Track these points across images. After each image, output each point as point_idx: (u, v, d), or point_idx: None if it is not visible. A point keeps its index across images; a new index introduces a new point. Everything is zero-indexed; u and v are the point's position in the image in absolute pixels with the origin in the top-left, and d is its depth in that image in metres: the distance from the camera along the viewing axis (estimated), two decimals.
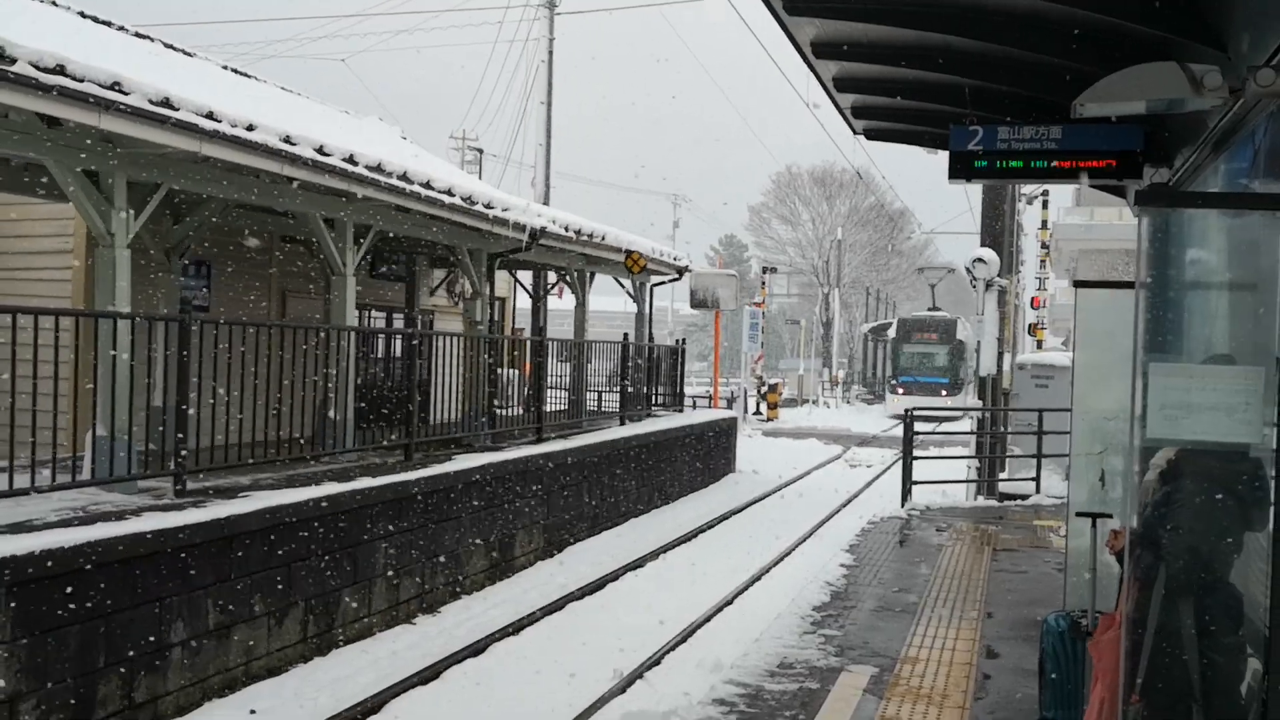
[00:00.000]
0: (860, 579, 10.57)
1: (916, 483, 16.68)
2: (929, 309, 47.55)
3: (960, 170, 7.45)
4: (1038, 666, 6.37)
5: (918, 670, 7.63)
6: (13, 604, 6.67)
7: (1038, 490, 16.45)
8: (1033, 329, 29.71)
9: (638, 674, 9.06)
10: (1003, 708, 6.89)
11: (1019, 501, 16.55)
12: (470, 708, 8.35)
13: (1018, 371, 20.90)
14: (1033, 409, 16.86)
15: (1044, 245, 28.91)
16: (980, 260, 17.78)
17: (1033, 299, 30.16)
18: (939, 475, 17.34)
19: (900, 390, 43.98)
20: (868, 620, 9.02)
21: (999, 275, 17.99)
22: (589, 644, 9.99)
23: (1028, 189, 26.58)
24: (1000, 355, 19.04)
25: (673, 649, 9.89)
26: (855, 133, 9.70)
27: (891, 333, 47.82)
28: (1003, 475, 18.15)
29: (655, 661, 9.48)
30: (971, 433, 18.33)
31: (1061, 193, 45.66)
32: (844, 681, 7.36)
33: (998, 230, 19.08)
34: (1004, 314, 19.98)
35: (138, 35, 13.94)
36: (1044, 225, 28.80)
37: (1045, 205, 27.95)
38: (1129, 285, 5.63)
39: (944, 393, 42.47)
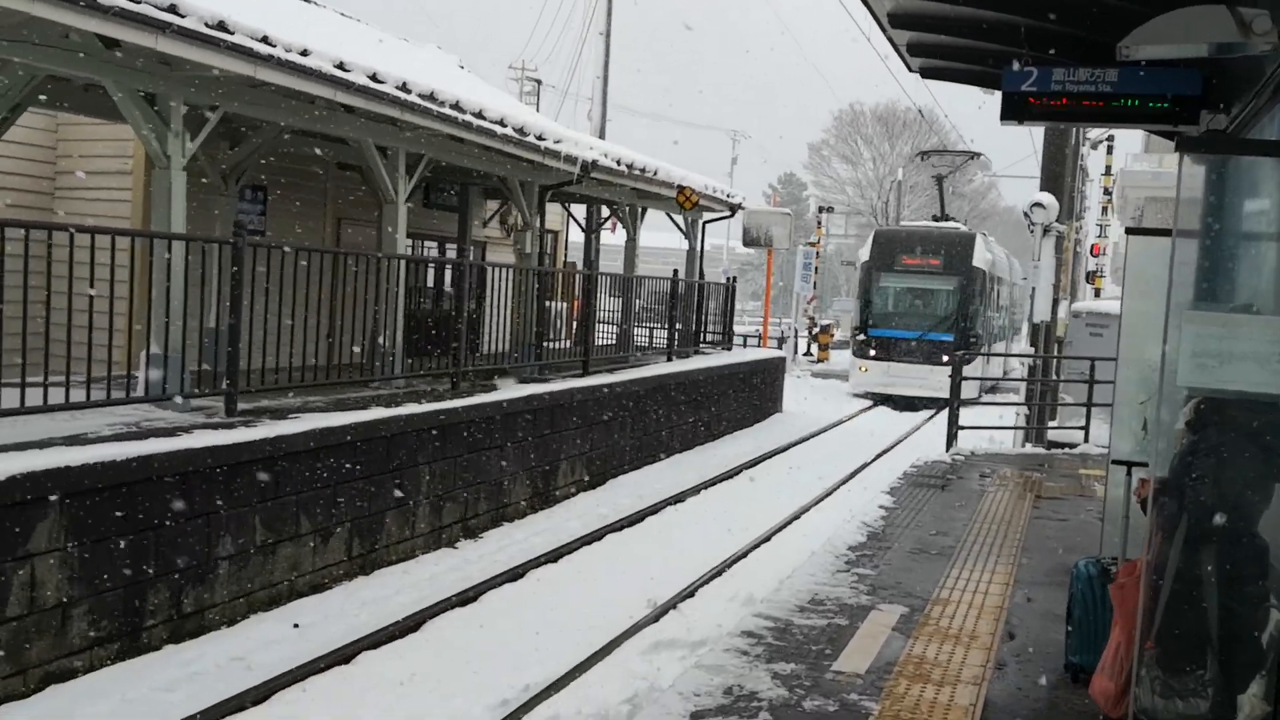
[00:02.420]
0: (898, 521, 10.60)
1: (963, 428, 16.63)
2: (933, 217, 30.92)
3: (1013, 111, 7.34)
4: (1066, 612, 6.40)
5: (948, 611, 7.67)
6: (66, 513, 6.91)
7: (1086, 439, 16.31)
8: (1091, 277, 29.24)
9: (671, 604, 9.21)
10: (1030, 650, 6.92)
11: (1067, 450, 16.44)
12: (504, 630, 8.54)
13: (1072, 319, 20.67)
14: (1086, 357, 16.72)
15: (1107, 191, 28.34)
16: (1039, 204, 17.49)
17: (1093, 246, 29.65)
18: (988, 421, 17.28)
19: (872, 353, 27.11)
20: (902, 561, 9.07)
21: (1057, 221, 17.69)
22: (625, 574, 10.15)
23: (1093, 134, 26.06)
24: (1055, 303, 18.82)
25: (707, 582, 10.03)
26: (910, 70, 9.57)
27: (863, 253, 28.54)
28: (1053, 423, 18.03)
29: (689, 593, 9.61)
30: (1022, 379, 18.17)
31: (1130, 138, 43.55)
32: (873, 619, 7.42)
33: (1058, 175, 18.74)
34: (1062, 260, 19.71)
35: None
36: (1107, 171, 28.23)
37: (1110, 151, 27.39)
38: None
39: (945, 359, 23.91)
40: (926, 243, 27.56)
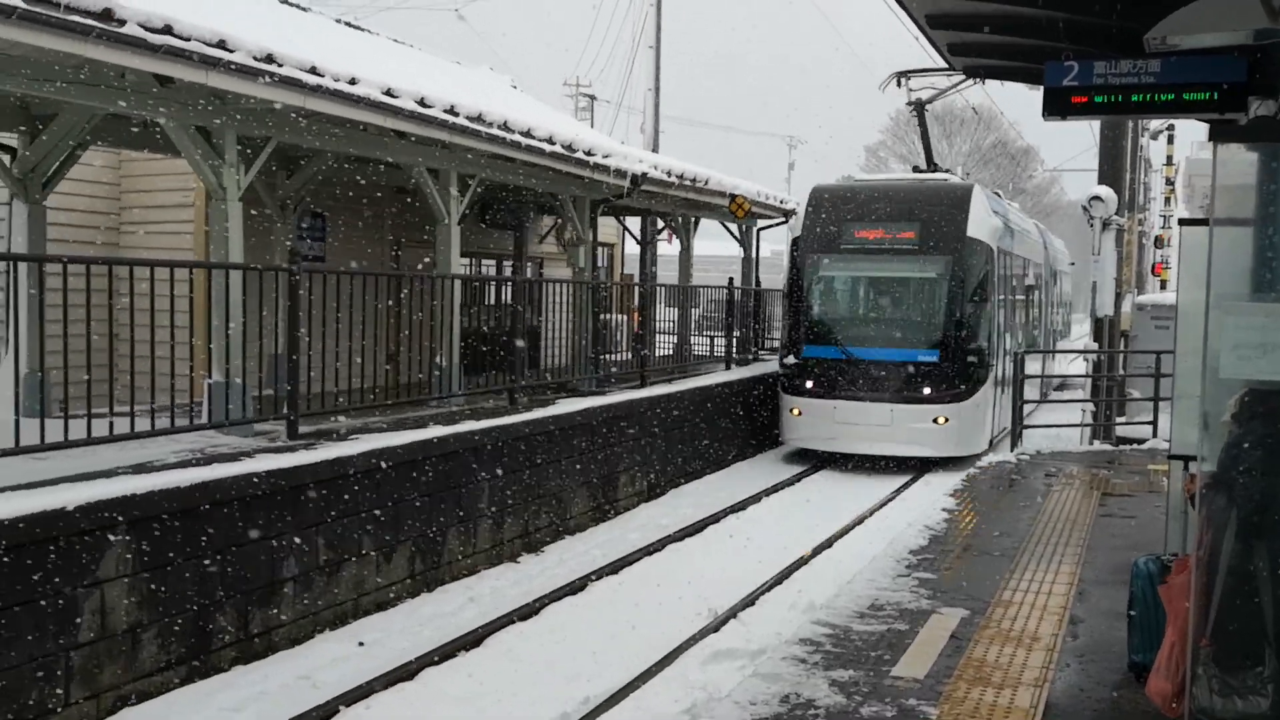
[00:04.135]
0: (961, 523, 10.51)
1: (1027, 427, 16.46)
2: (914, 170, 20.94)
3: (1056, 107, 7.28)
4: (1127, 610, 6.31)
5: (1010, 613, 7.60)
6: (134, 539, 7.09)
7: (1155, 434, 16.03)
8: (1156, 268, 28.72)
9: (731, 613, 9.21)
10: (1092, 650, 6.84)
11: (1135, 446, 16.16)
12: (566, 643, 8.59)
13: (1137, 313, 20.35)
14: (1151, 351, 16.46)
15: (1169, 181, 27.84)
16: (1097, 198, 17.24)
17: (1157, 237, 29.12)
18: (1054, 419, 17.09)
19: (809, 385, 16.94)
20: (964, 564, 8.99)
21: (1117, 214, 17.43)
22: (686, 583, 10.16)
23: (1153, 124, 25.64)
24: (1119, 296, 18.53)
25: (767, 590, 10.01)
26: (954, 70, 9.54)
27: (794, 225, 18.76)
28: (1120, 419, 17.74)
29: (750, 602, 9.61)
30: (1088, 375, 17.90)
31: (1194, 127, 42.73)
32: (933, 624, 7.37)
33: (1117, 167, 18.49)
34: (1124, 254, 19.41)
35: None
36: (1169, 161, 27.73)
37: (1171, 140, 26.90)
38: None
39: (928, 390, 16.38)
40: (892, 204, 17.02)
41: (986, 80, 10.07)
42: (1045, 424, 17.39)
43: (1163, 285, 27.76)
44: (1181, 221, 7.14)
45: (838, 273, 17.56)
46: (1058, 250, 28.75)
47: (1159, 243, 29.00)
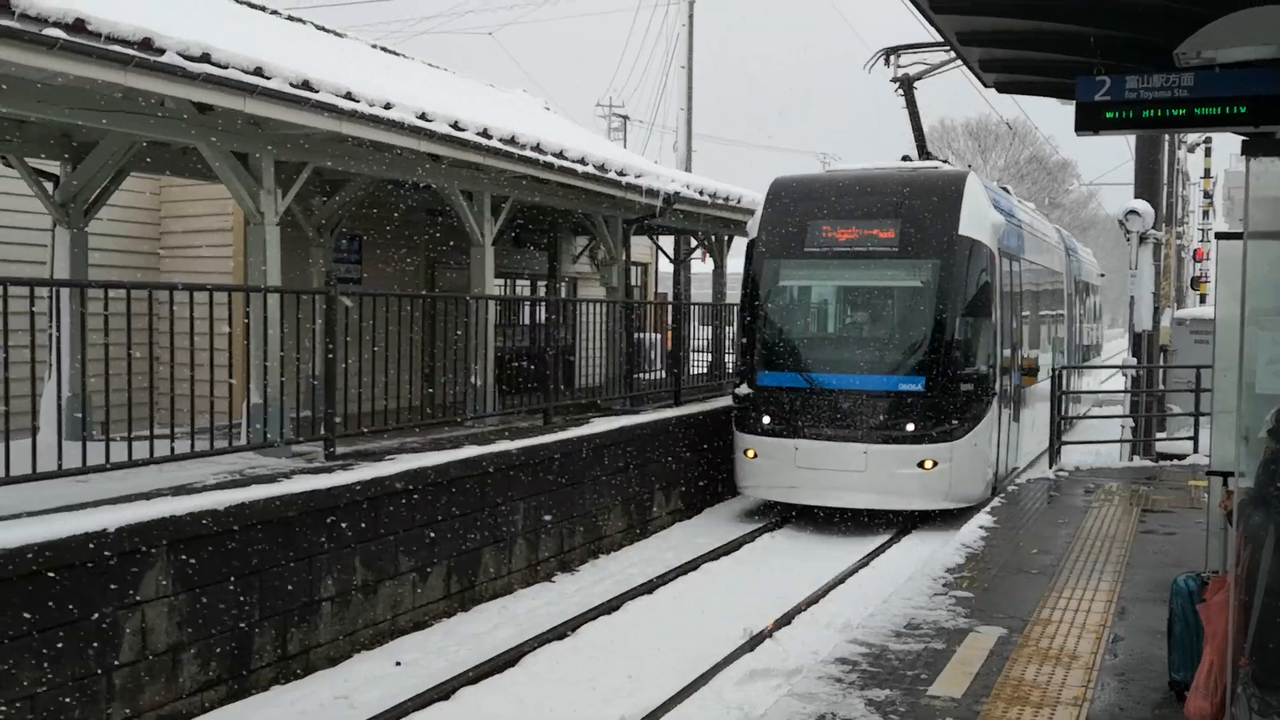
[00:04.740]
0: (998, 541, 10.43)
1: (1066, 443, 16.32)
2: (903, 159, 16.14)
3: (1088, 122, 7.26)
4: (1166, 628, 6.25)
5: (1048, 631, 7.53)
6: (174, 560, 7.18)
7: (1195, 449, 15.84)
8: (1195, 282, 28.43)
9: (767, 632, 9.18)
10: (1132, 669, 6.77)
11: (1175, 461, 15.99)
12: (601, 663, 8.60)
13: (1176, 327, 20.15)
14: (1191, 365, 16.29)
15: (1207, 195, 27.58)
16: (1133, 212, 17.08)
17: (1196, 251, 28.83)
18: (1093, 435, 16.94)
19: (766, 421, 13.85)
20: (1001, 582, 8.92)
21: (1154, 227, 17.28)
22: (722, 603, 10.14)
23: (1190, 137, 25.42)
24: (1157, 311, 18.35)
25: (803, 609, 9.97)
26: (986, 85, 9.52)
27: (752, 226, 15.00)
28: (1160, 435, 17.54)
29: (786, 620, 9.57)
30: (1126, 391, 17.72)
31: (1234, 139, 42.25)
32: (971, 642, 7.32)
33: (1153, 181, 18.34)
34: (1163, 267, 19.24)
35: (290, 19, 14.52)
36: (1206, 174, 27.48)
37: (1208, 153, 26.67)
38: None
39: (911, 426, 13.28)
40: (867, 198, 14.18)
41: (1018, 95, 10.02)
42: (1083, 440, 17.23)
43: (1202, 299, 27.48)
44: (1219, 235, 7.07)
45: (800, 282, 14.56)
46: (1084, 259, 25.96)
47: (1198, 256, 28.72)
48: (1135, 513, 11.85)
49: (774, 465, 13.61)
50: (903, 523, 13.75)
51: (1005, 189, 17.78)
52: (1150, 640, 7.21)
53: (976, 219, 13.72)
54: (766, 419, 13.69)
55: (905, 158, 16.02)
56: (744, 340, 14.48)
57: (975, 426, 13.46)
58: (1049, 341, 18.86)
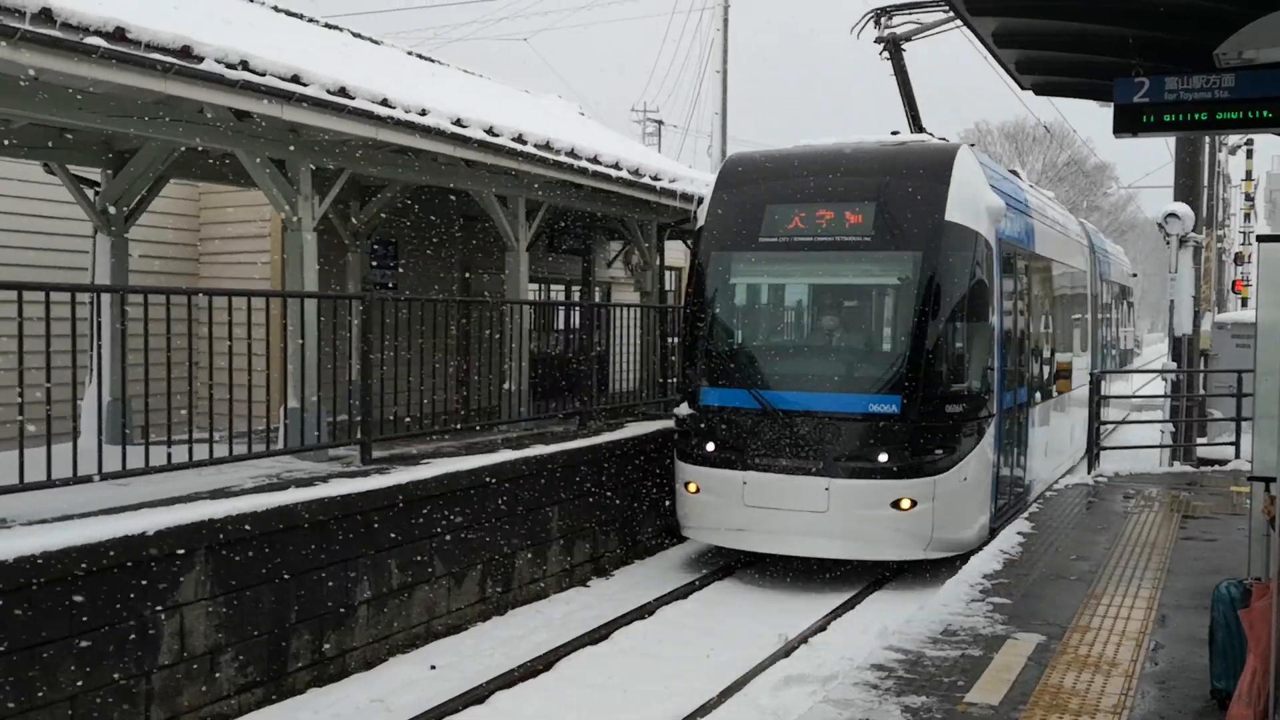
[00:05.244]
0: (1036, 547, 10.32)
1: (1104, 448, 16.15)
2: (892, 134, 13.27)
3: (1126, 124, 7.22)
4: (1208, 636, 6.17)
5: (1087, 639, 7.45)
6: (212, 563, 7.24)
7: (1237, 455, 15.66)
8: (1236, 285, 28.07)
9: (803, 638, 9.14)
10: (1173, 677, 6.68)
11: (1216, 467, 15.80)
12: (634, 668, 8.59)
13: (1216, 331, 19.92)
14: (1232, 370, 16.11)
15: (1248, 197, 27.25)
16: (1173, 215, 16.92)
17: (1237, 254, 28.48)
18: (1130, 441, 16.77)
19: (709, 448, 11.44)
20: (1040, 588, 8.83)
21: (1194, 230, 17.11)
22: (757, 608, 10.12)
23: (1232, 139, 25.15)
24: (1197, 315, 18.16)
25: (839, 615, 9.92)
26: (1022, 88, 9.47)
27: (701, 213, 12.38)
28: (1201, 440, 17.35)
29: (820, 627, 9.53)
30: (1166, 396, 17.53)
31: (1276, 141, 41.57)
32: (1008, 649, 7.25)
33: (1193, 184, 18.16)
34: (1203, 270, 19.04)
35: (328, 26, 14.64)
36: (1248, 176, 27.15)
37: (1249, 155, 26.35)
38: None
39: (884, 457, 10.83)
40: (835, 177, 11.79)
41: (1055, 98, 9.94)
42: (1123, 445, 17.05)
43: (1244, 303, 27.14)
44: (1260, 238, 6.96)
45: (753, 279, 12.13)
46: (1112, 256, 23.19)
47: (1239, 259, 28.36)
48: (1176, 519, 11.70)
49: (718, 502, 11.30)
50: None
51: (1015, 172, 15.10)
52: (1191, 648, 7.11)
53: (969, 202, 11.34)
54: (710, 446, 11.37)
55: (894, 133, 13.50)
56: (687, 350, 12.15)
57: (966, 456, 11.18)
58: (1067, 349, 16.43)
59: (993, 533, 11.39)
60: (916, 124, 15.37)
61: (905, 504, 10.77)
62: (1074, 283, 17.22)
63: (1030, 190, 14.91)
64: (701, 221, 12.17)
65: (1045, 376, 14.48)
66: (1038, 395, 13.82)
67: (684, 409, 11.78)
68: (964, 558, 10.44)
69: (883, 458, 10.79)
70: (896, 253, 11.33)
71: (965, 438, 11.19)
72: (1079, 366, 16.98)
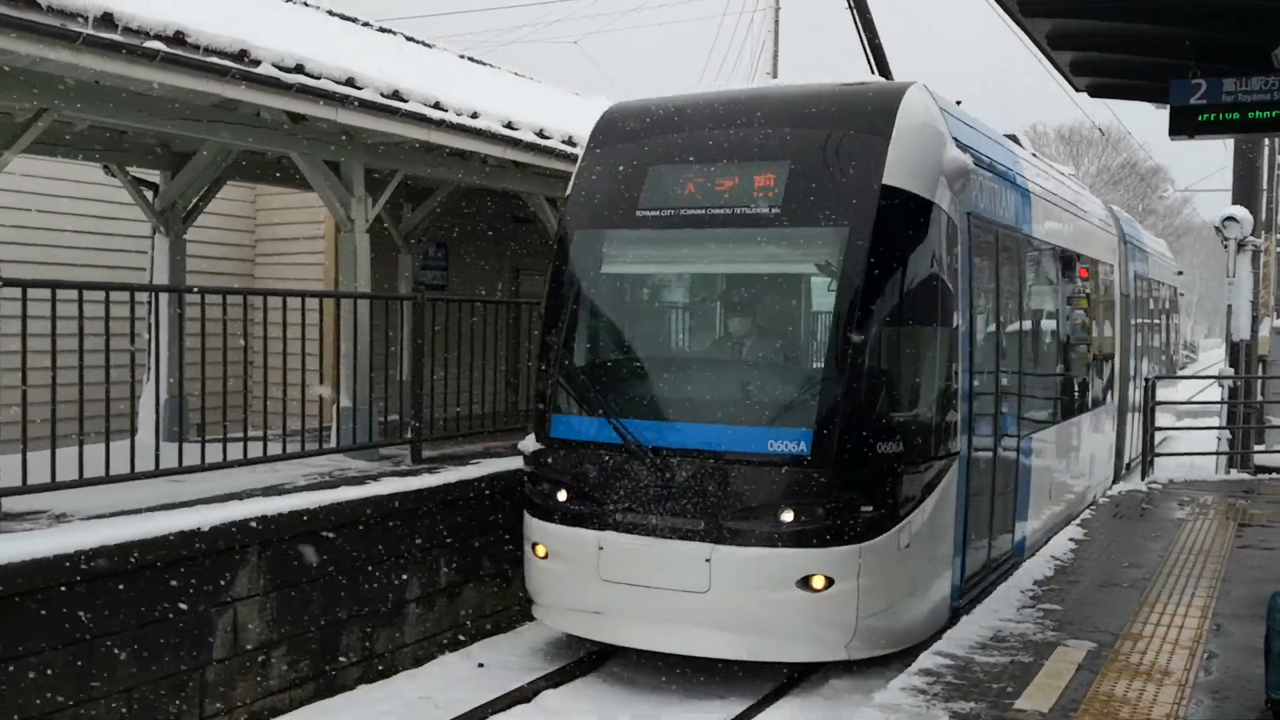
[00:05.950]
0: (1089, 554, 10.22)
1: (1158, 455, 15.95)
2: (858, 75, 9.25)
3: (1182, 126, 7.15)
4: (1264, 645, 6.07)
5: (1139, 646, 7.37)
6: (266, 559, 7.35)
7: None
8: None
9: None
10: (1228, 687, 6.58)
11: (1275, 474, 15.53)
12: (684, 669, 8.58)
13: (1275, 337, 19.57)
14: None
15: None
16: (1231, 219, 16.64)
17: None
18: (1188, 447, 16.50)
19: (561, 496, 8.17)
20: (1091, 595, 8.74)
21: (1252, 234, 16.82)
22: None
23: None
24: (1256, 320, 17.86)
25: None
26: (1077, 90, 9.39)
27: (569, 193, 8.86)
28: (1259, 447, 17.05)
29: None
30: (1222, 402, 17.25)
31: None
32: (1059, 655, 7.19)
33: (1252, 187, 17.87)
34: (1262, 275, 18.72)
35: (381, 30, 14.78)
36: None
37: None
38: None
39: (790, 515, 7.52)
40: (740, 130, 8.46)
41: (1110, 99, 9.83)
42: (1178, 451, 16.80)
43: None
44: None
45: (623, 267, 8.98)
46: (1149, 249, 18.81)
47: None
48: (1232, 526, 11.53)
49: (569, 573, 8.22)
50: None
51: (1014, 137, 11.05)
52: (1247, 658, 7.01)
53: (920, 162, 8.07)
54: (561, 495, 8.25)
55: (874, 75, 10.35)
56: (539, 364, 8.80)
57: (909, 513, 7.90)
58: (1081, 361, 12.99)
59: (958, 611, 8.49)
60: (883, 73, 10.73)
61: (818, 582, 7.58)
62: (1094, 279, 13.66)
63: (1030, 160, 11.38)
64: (568, 191, 9.03)
65: (1047, 397, 11.64)
66: (1035, 422, 10.82)
67: (530, 444, 8.64)
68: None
69: (787, 517, 7.59)
70: (815, 229, 8.09)
71: (909, 487, 7.94)
72: (1098, 382, 13.80)
